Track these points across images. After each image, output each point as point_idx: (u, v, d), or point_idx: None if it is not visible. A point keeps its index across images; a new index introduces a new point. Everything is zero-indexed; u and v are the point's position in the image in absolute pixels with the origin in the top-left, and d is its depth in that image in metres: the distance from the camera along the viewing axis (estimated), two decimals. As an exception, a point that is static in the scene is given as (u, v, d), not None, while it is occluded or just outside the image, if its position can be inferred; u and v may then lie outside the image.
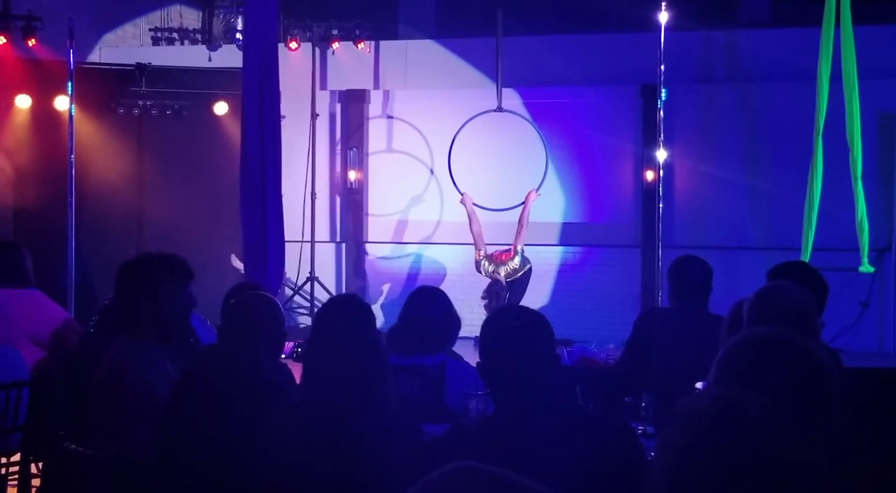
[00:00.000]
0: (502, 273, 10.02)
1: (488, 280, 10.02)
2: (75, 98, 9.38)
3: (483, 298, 9.81)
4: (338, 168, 11.99)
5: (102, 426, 3.84)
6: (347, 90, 11.89)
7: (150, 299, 3.84)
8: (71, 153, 9.28)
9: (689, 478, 1.63)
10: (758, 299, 3.48)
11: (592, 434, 2.75)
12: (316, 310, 3.53)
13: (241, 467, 3.08)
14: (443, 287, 10.58)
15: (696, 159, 10.68)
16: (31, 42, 10.31)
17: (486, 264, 10.13)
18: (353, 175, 11.72)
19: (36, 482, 5.05)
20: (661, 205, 9.41)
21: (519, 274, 10.12)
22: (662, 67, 9.22)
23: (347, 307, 3.44)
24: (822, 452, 1.95)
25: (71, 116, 9.30)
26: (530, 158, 10.87)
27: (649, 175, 10.34)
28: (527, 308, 3.15)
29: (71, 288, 8.95)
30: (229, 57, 11.58)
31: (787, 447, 1.65)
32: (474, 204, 10.40)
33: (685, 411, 1.72)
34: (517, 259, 10.08)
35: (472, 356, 3.65)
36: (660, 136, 9.37)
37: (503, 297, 9.71)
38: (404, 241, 11.81)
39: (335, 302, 3.64)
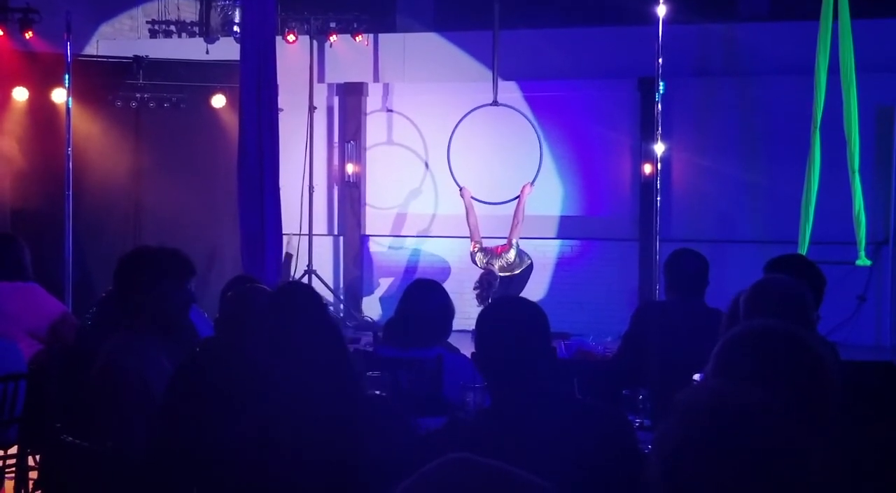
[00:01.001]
0: (496, 265, 10.04)
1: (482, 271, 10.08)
2: (72, 91, 9.36)
3: (475, 288, 9.86)
4: (335, 161, 11.97)
5: (99, 420, 3.84)
6: (345, 83, 11.87)
7: (148, 294, 3.84)
8: (68, 146, 9.27)
9: (687, 471, 1.64)
10: (753, 291, 3.49)
11: (589, 427, 2.75)
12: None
13: (236, 458, 3.08)
14: (440, 280, 10.61)
15: (694, 153, 10.67)
16: (28, 34, 10.27)
17: (481, 256, 10.16)
18: (350, 168, 11.70)
19: (33, 474, 5.06)
20: (658, 198, 9.43)
21: (517, 271, 10.15)
22: (660, 61, 9.23)
23: (300, 296, 3.41)
24: (819, 444, 1.95)
25: (68, 109, 9.29)
26: (527, 151, 10.87)
27: (647, 168, 10.33)
28: (524, 299, 3.15)
29: (68, 281, 8.94)
30: (227, 50, 11.56)
31: (784, 439, 1.66)
32: (472, 197, 10.44)
33: (683, 403, 1.72)
34: (512, 252, 10.11)
35: (469, 349, 3.65)
36: (657, 129, 9.39)
37: (494, 286, 9.75)
38: (402, 234, 11.80)
39: (286, 291, 3.61)
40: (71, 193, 9.34)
